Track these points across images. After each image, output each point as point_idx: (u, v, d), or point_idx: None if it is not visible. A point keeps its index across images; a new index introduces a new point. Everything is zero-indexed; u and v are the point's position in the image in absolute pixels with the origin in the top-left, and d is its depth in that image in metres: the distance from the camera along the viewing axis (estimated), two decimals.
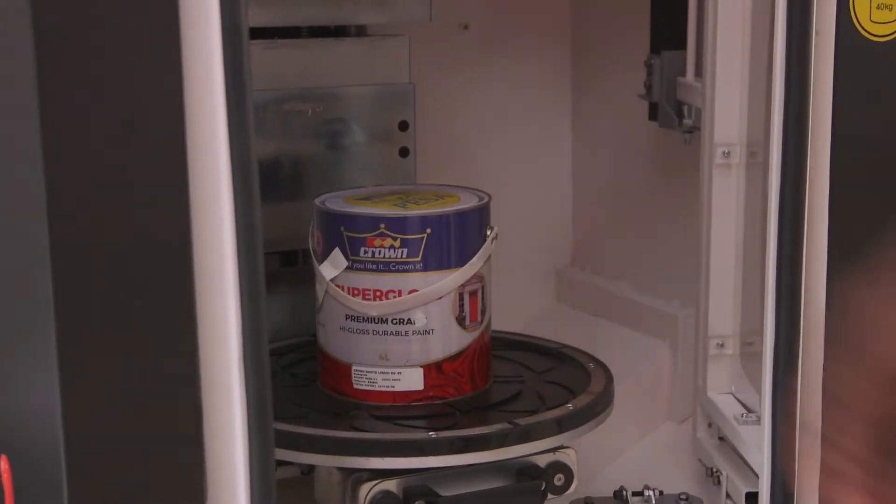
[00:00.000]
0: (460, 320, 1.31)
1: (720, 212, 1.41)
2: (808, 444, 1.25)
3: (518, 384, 1.38)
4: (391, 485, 1.22)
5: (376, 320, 1.30)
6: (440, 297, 1.30)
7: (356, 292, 1.30)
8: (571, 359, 1.44)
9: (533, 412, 1.29)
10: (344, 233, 1.29)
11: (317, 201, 1.34)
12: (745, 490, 1.33)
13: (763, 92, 1.29)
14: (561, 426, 1.27)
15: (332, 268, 1.30)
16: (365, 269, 1.29)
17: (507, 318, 1.50)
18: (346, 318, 1.31)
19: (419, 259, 1.28)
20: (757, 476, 1.28)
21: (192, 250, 0.97)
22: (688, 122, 1.50)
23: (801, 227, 1.19)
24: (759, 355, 1.27)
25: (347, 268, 1.29)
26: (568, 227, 1.79)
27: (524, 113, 1.74)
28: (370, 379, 1.31)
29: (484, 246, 1.32)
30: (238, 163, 0.97)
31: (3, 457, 1.06)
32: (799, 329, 1.22)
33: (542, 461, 1.27)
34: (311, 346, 1.40)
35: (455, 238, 1.30)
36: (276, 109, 1.48)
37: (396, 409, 1.30)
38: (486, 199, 1.34)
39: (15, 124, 0.96)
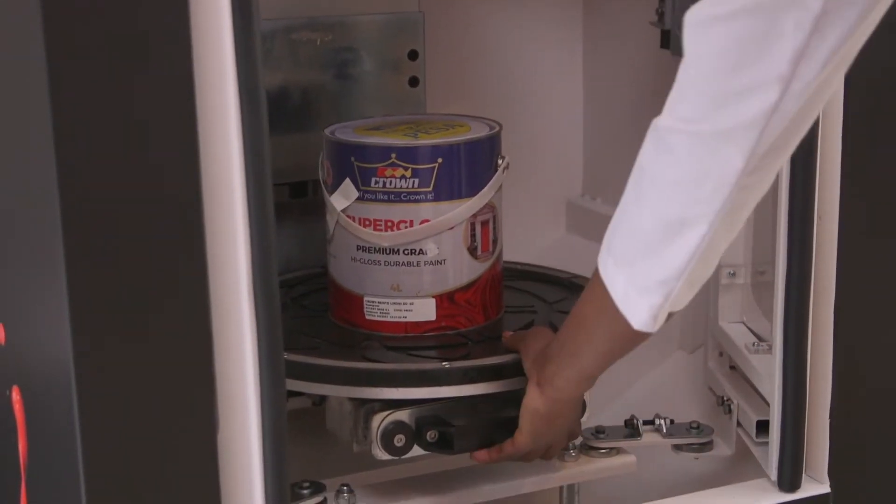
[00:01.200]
0: (472, 250, 1.31)
1: None
2: (819, 372, 1.26)
3: (530, 314, 1.38)
4: (404, 415, 1.22)
5: (388, 251, 1.29)
6: (452, 228, 1.29)
7: (367, 223, 1.29)
8: (582, 289, 1.43)
9: None
10: (354, 163, 1.29)
11: (326, 131, 1.33)
12: (756, 419, 1.33)
13: None
14: None
15: (342, 198, 1.29)
16: (376, 200, 1.28)
17: (519, 248, 1.50)
18: (358, 249, 1.30)
19: (430, 189, 1.28)
20: (768, 404, 1.28)
21: (199, 182, 0.96)
22: None
23: (814, 154, 1.19)
24: (770, 284, 1.27)
25: (358, 198, 1.29)
26: (579, 156, 1.78)
27: (535, 41, 1.72)
28: (382, 310, 1.31)
29: (495, 176, 1.31)
30: (246, 93, 0.96)
31: (15, 388, 1.07)
32: (811, 257, 1.21)
33: None
34: (322, 277, 1.40)
35: (466, 168, 1.29)
36: (285, 39, 1.46)
37: (409, 339, 1.30)
38: (496, 129, 1.33)
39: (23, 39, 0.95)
